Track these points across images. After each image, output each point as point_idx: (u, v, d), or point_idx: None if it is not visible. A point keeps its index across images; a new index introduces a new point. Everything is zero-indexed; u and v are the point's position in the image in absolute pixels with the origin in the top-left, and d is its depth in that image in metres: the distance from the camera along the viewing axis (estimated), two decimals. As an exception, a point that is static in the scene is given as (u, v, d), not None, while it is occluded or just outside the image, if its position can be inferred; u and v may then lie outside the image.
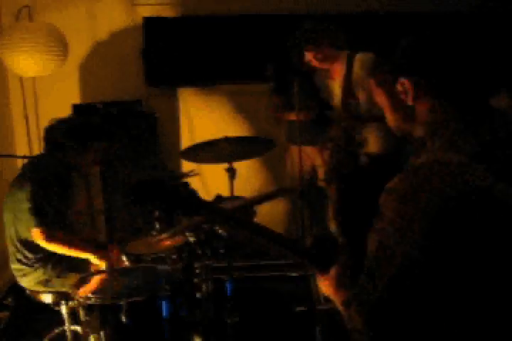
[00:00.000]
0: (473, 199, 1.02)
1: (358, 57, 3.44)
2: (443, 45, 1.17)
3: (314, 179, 4.04)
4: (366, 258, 1.11)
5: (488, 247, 1.03)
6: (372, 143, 3.48)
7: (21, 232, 2.67)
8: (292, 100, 3.46)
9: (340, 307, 1.22)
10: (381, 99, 1.28)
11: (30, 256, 2.69)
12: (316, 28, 3.41)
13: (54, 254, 2.66)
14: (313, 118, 3.84)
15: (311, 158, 3.99)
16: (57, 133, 2.77)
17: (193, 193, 1.43)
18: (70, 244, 2.61)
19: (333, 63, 3.50)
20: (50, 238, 2.58)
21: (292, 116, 3.69)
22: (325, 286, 1.33)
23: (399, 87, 1.19)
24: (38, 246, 2.62)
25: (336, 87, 3.58)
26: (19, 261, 2.70)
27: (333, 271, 1.32)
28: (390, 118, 1.28)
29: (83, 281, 2.34)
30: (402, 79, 1.18)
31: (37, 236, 2.58)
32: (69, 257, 2.68)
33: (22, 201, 2.60)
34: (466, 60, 1.16)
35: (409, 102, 1.19)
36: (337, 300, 1.26)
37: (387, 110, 1.28)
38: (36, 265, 2.69)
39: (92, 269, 2.63)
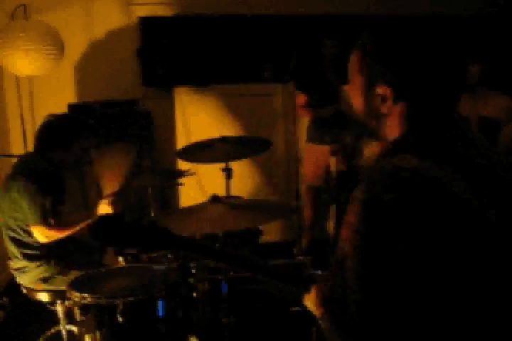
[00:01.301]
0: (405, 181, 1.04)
1: None
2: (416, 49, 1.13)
3: (328, 179, 4.02)
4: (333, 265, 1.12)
5: (430, 231, 1.02)
6: (365, 156, 3.50)
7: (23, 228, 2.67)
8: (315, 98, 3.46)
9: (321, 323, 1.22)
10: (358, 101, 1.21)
11: (33, 252, 2.69)
12: None
13: (58, 251, 2.69)
14: (329, 116, 3.84)
15: (326, 158, 3.97)
16: (41, 130, 2.77)
17: (160, 229, 1.33)
18: (69, 231, 2.64)
19: None
20: (49, 235, 2.61)
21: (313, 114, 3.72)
22: (309, 302, 1.34)
23: (380, 91, 1.14)
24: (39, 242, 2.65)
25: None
26: (22, 256, 2.70)
27: (313, 289, 1.34)
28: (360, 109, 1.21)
29: (81, 280, 2.34)
30: (383, 86, 1.13)
31: (37, 234, 2.60)
32: (72, 254, 2.72)
33: (18, 199, 2.60)
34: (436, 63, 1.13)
35: (384, 110, 1.15)
36: (317, 313, 1.28)
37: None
38: (39, 261, 2.69)
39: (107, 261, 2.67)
